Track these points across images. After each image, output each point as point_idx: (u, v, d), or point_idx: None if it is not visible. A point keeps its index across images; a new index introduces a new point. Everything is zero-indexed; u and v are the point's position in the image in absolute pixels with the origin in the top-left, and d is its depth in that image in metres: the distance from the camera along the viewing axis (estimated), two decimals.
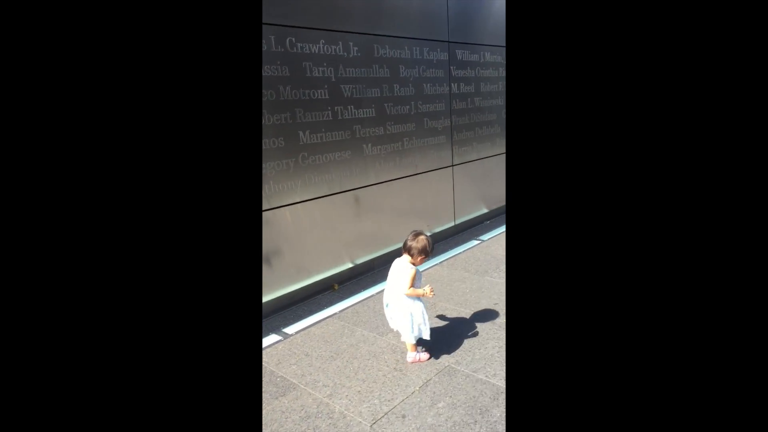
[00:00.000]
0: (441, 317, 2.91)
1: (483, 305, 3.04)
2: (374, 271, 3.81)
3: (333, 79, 3.27)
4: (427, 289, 2.35)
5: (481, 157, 4.88)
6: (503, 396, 2.08)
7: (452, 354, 2.46)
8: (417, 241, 2.35)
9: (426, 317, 2.38)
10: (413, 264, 2.37)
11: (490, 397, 2.07)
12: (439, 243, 4.38)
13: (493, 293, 3.21)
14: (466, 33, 4.45)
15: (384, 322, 2.85)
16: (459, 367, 2.33)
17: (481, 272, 3.62)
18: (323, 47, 3.17)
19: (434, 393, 2.14)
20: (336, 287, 3.55)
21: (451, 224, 4.61)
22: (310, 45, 3.10)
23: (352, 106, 3.43)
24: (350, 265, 3.66)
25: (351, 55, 3.37)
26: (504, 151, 5.19)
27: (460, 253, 4.11)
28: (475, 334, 2.65)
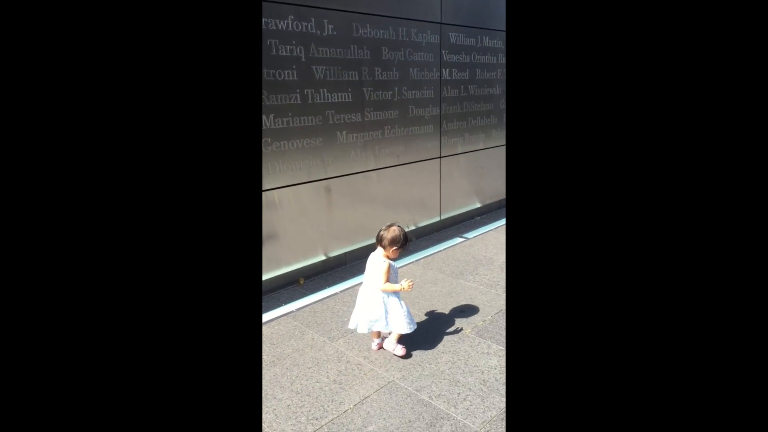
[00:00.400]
0: None
1: (449, 312, 2.82)
2: (346, 266, 3.61)
3: (303, 59, 3.02)
4: (404, 283, 2.25)
5: (474, 149, 4.59)
6: (441, 422, 1.87)
7: (400, 367, 2.25)
8: (388, 231, 2.28)
9: (405, 311, 2.31)
10: (387, 257, 2.28)
11: (426, 422, 1.87)
12: (420, 239, 4.14)
13: (463, 299, 2.98)
14: (462, 15, 4.13)
15: (339, 325, 2.66)
16: (403, 384, 2.12)
17: (456, 274, 3.38)
18: (292, 23, 2.92)
19: (368, 413, 1.94)
20: (302, 281, 3.36)
21: (436, 219, 4.36)
22: (277, 21, 2.85)
23: (325, 90, 3.19)
24: (323, 258, 3.46)
25: (325, 34, 3.11)
26: (499, 143, 4.89)
27: (439, 251, 3.87)
28: (431, 346, 2.43)
